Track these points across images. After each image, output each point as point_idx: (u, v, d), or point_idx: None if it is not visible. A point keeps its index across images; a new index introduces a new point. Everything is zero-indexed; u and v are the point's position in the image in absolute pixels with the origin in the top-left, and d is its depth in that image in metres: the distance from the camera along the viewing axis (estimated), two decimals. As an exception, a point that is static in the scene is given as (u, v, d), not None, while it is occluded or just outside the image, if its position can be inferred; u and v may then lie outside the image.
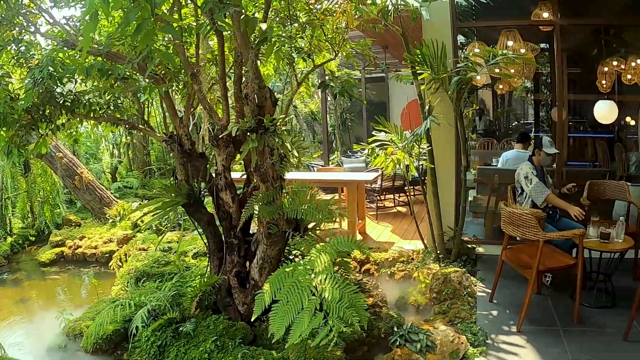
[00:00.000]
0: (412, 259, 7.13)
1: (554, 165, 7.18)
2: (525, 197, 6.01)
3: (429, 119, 6.06)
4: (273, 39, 4.43)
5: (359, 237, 8.40)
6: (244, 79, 4.81)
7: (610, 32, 10.37)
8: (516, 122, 17.43)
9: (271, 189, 4.75)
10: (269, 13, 5.54)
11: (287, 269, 4.20)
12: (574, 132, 13.76)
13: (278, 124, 4.37)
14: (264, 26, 3.67)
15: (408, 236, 8.28)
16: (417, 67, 6.44)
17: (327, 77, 5.20)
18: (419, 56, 6.33)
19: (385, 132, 6.59)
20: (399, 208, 10.63)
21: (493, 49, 6.32)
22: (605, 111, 6.35)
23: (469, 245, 7.10)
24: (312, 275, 3.93)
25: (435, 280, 5.88)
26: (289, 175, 5.22)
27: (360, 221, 8.57)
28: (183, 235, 8.42)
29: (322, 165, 12.23)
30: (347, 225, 8.10)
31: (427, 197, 6.95)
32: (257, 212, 4.97)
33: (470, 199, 7.77)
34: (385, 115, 20.34)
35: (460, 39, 10.88)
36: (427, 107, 6.33)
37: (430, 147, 6.62)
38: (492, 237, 7.40)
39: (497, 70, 7.00)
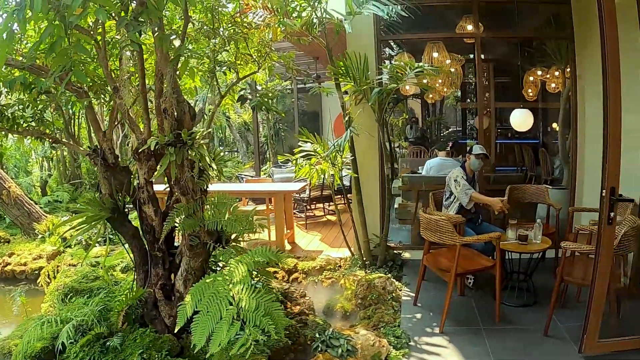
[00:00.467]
0: (340, 266, 7.24)
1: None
2: (453, 200, 6.21)
3: (349, 130, 6.21)
4: (187, 56, 4.48)
5: (287, 246, 8.53)
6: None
7: (533, 44, 10.80)
8: (447, 130, 17.80)
9: (192, 201, 4.78)
10: (195, 26, 5.60)
11: (207, 280, 4.24)
12: (501, 139, 14.27)
13: (197, 137, 4.42)
14: (177, 43, 3.73)
15: (336, 244, 8.42)
16: (340, 79, 6.59)
17: (244, 91, 5.24)
18: (342, 68, 6.49)
19: (310, 142, 6.71)
20: (329, 217, 10.78)
21: (412, 61, 6.53)
22: (519, 120, 6.63)
23: (395, 251, 7.29)
24: (231, 286, 3.99)
25: (360, 286, 6.02)
26: (217, 187, 5.27)
27: (288, 231, 8.64)
28: (111, 250, 8.31)
29: (252, 177, 12.27)
30: (275, 235, 8.16)
31: (352, 206, 7.10)
32: (178, 225, 4.99)
33: (396, 206, 7.98)
34: (318, 124, 20.63)
35: (392, 51, 11.18)
36: (346, 118, 6.48)
37: (353, 157, 6.77)
38: (418, 242, 7.52)
39: (415, 82, 7.20)
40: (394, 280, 6.37)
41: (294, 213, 10.51)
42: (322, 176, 6.63)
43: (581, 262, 5.11)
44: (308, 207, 10.16)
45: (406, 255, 7.45)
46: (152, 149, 4.49)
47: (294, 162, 6.70)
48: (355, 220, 7.05)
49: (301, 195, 9.96)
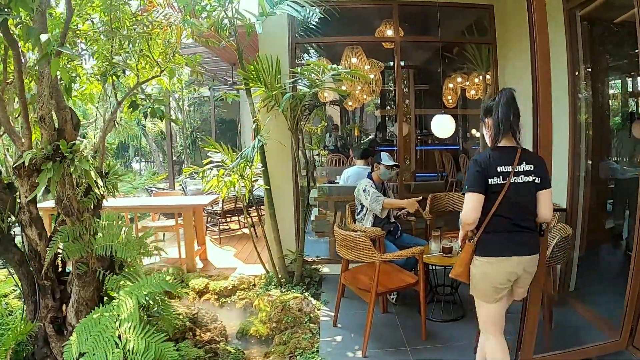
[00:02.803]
0: (254, 285, 6.77)
1: (397, 179, 7.12)
2: (365, 212, 5.85)
3: (257, 139, 5.73)
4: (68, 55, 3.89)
5: (199, 264, 7.96)
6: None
7: (453, 51, 10.67)
8: (367, 138, 17.56)
9: (77, 223, 4.17)
10: (96, 25, 4.99)
11: (94, 316, 3.67)
12: (422, 145, 14.27)
13: (79, 149, 3.83)
14: (44, 37, 3.14)
15: (251, 260, 7.87)
16: (250, 84, 6.11)
17: (135, 97, 4.63)
18: (253, 72, 6.02)
19: (219, 152, 6.20)
20: (245, 230, 10.20)
21: (325, 63, 6.11)
22: (440, 125, 6.31)
23: (313, 266, 6.84)
24: (118, 323, 3.43)
25: (274, 309, 5.53)
26: (117, 202, 4.69)
27: (199, 247, 8.06)
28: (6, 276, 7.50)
29: (164, 189, 11.55)
30: (185, 252, 7.57)
31: (265, 220, 6.62)
32: (62, 251, 4.36)
33: (312, 217, 7.54)
34: (236, 133, 20.03)
35: (311, 57, 10.78)
36: (254, 126, 6.01)
37: (264, 168, 6.30)
38: (337, 256, 7.03)
39: (332, 87, 6.81)
40: (312, 299, 5.94)
41: (208, 227, 9.96)
42: (232, 189, 6.11)
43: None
44: (222, 221, 9.55)
45: (325, 270, 6.99)
46: (26, 163, 3.85)
47: (200, 174, 6.16)
48: (268, 236, 6.56)
49: (214, 208, 9.38)
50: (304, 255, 6.74)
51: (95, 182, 4.00)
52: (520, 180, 3.33)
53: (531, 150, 3.58)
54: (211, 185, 6.18)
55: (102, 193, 4.35)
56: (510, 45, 6.92)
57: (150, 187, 11.69)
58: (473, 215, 3.34)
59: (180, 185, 13.57)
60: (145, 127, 22.47)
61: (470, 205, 3.33)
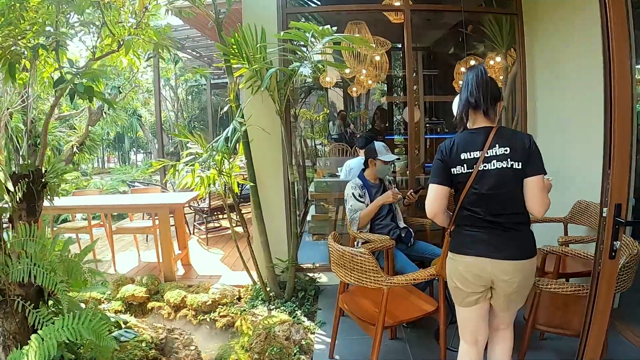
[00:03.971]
0: (240, 298, 5.74)
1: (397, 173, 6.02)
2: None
3: (232, 126, 4.67)
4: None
5: (180, 270, 6.97)
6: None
7: (467, 28, 9.62)
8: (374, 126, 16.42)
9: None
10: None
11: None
12: (431, 134, 13.29)
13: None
14: None
15: (239, 265, 6.75)
16: (232, 60, 5.02)
17: (63, 72, 3.49)
18: (234, 46, 4.93)
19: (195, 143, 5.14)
20: (239, 229, 9.10)
21: (325, 29, 4.97)
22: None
23: (309, 275, 5.78)
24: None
25: (256, 335, 4.46)
26: (82, 201, 3.63)
27: (180, 252, 7.02)
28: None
29: (146, 185, 10.43)
30: (162, 258, 6.52)
31: (253, 222, 5.54)
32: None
33: (309, 217, 6.48)
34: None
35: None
36: (225, 109, 4.95)
37: (249, 161, 5.25)
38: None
39: (327, 60, 5.71)
40: (304, 319, 4.93)
41: (196, 225, 8.91)
42: (211, 185, 5.07)
43: (559, 301, 3.70)
44: (209, 219, 8.46)
45: (323, 279, 5.92)
46: None
47: (171, 170, 5.09)
48: (255, 241, 5.51)
49: (201, 205, 8.33)
50: (298, 262, 5.70)
51: (5, 186, 2.96)
52: (492, 167, 2.79)
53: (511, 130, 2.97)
54: (186, 182, 5.15)
55: (18, 199, 3.30)
56: (540, 17, 5.77)
57: (132, 183, 10.57)
58: (431, 208, 2.96)
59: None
60: (140, 117, 21.52)
61: (430, 197, 2.96)
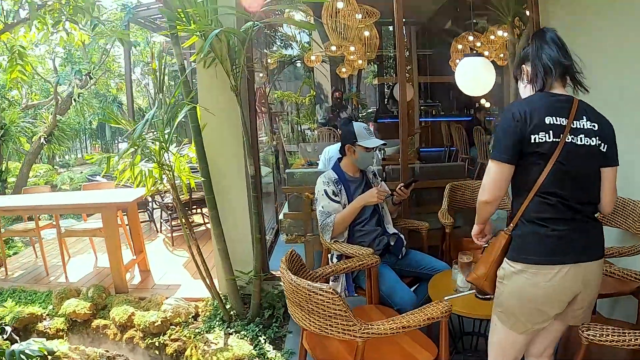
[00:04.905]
0: (197, 316, 4.79)
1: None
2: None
3: (158, 102, 3.67)
4: None
5: (137, 277, 6.02)
6: None
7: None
8: (366, 110, 15.42)
9: None
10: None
11: None
12: (426, 117, 13.11)
13: None
14: None
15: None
16: (178, 27, 4.02)
17: None
18: (180, 11, 3.94)
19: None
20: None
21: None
22: (470, 77, 4.25)
23: (280, 287, 4.78)
24: None
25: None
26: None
27: (134, 257, 6.02)
28: None
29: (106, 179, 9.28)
30: (110, 267, 5.51)
31: (210, 225, 4.56)
32: None
33: (280, 216, 5.47)
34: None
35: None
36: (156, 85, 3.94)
37: (200, 151, 4.24)
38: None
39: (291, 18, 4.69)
40: (269, 348, 4.07)
41: (162, 222, 7.92)
42: (158, 181, 4.13)
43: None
44: (174, 216, 7.39)
45: None
46: None
47: (106, 167, 4.11)
48: (213, 248, 4.53)
49: (165, 200, 7.34)
50: (266, 272, 4.75)
51: None
52: (580, 142, 2.22)
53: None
54: (125, 177, 4.21)
55: None
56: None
57: (94, 176, 9.47)
58: (492, 193, 2.31)
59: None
60: (122, 104, 20.48)
61: (491, 178, 2.30)
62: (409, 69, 11.88)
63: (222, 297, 4.57)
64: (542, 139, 2.17)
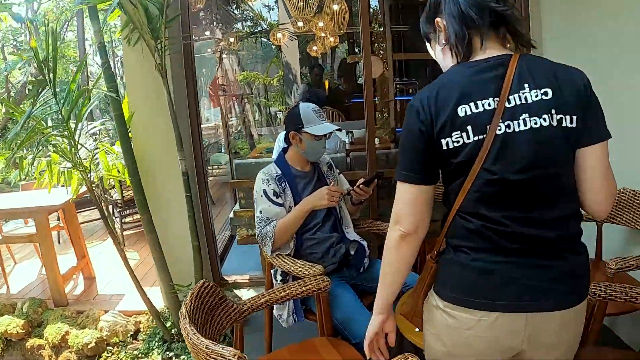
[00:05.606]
0: (137, 333, 4.18)
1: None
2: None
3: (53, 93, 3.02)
4: None
5: (80, 286, 5.35)
6: None
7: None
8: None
9: None
10: None
11: None
12: (402, 95, 11.73)
13: None
14: None
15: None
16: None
17: None
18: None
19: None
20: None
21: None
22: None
23: (234, 298, 4.14)
24: None
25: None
26: None
27: (74, 265, 5.36)
28: None
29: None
30: (47, 277, 4.86)
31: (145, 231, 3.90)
32: None
33: (231, 215, 4.82)
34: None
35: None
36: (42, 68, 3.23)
37: (125, 146, 3.57)
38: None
39: None
40: None
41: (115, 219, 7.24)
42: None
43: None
44: (124, 214, 6.71)
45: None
46: None
47: (20, 167, 3.46)
48: (153, 257, 3.88)
49: (114, 197, 6.66)
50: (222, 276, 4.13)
51: None
52: (522, 127, 1.47)
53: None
54: (43, 180, 3.58)
55: None
56: None
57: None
58: (404, 219, 1.59)
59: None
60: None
61: (401, 204, 1.60)
62: (383, 45, 11.20)
63: (164, 313, 3.94)
64: (457, 142, 1.50)
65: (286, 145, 3.19)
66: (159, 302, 4.08)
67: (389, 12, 11.65)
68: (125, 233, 6.71)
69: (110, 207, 7.12)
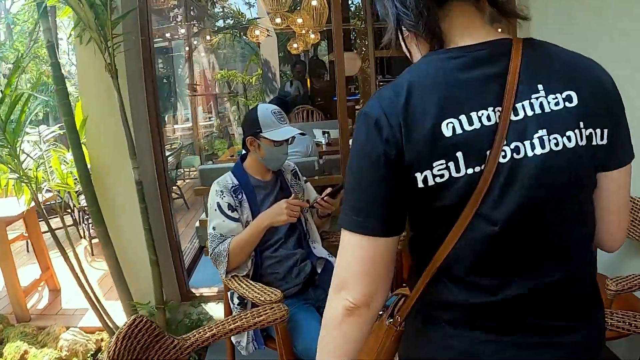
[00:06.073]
0: (98, 352, 3.91)
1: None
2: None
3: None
4: None
5: (44, 299, 5.08)
6: None
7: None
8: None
9: None
10: None
11: None
12: None
13: None
14: None
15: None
16: None
17: None
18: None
19: None
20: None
21: None
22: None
23: (199, 313, 3.89)
24: None
25: None
26: None
27: (37, 278, 5.09)
28: None
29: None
30: (7, 292, 4.59)
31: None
32: None
33: (196, 224, 4.56)
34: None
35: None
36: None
37: (77, 151, 3.31)
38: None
39: None
40: None
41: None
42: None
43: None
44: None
45: (219, 314, 3.94)
46: None
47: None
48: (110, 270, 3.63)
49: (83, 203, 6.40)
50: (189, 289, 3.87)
51: None
52: (538, 152, 0.98)
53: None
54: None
55: None
56: None
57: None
58: (352, 286, 1.06)
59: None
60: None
61: (348, 257, 1.07)
62: (365, 42, 11.08)
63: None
64: (440, 177, 1.01)
65: (245, 152, 2.88)
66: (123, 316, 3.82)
67: (371, 9, 11.51)
68: (94, 241, 6.45)
69: (80, 213, 6.89)
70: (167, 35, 11.43)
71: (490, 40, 1.05)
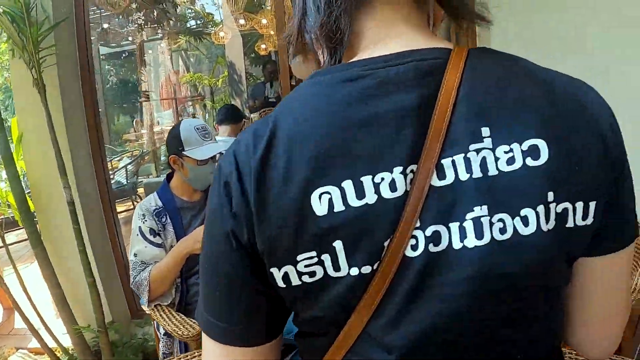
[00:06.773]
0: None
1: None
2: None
3: None
4: None
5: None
6: None
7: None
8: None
9: None
10: None
11: None
12: None
13: None
14: None
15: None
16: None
17: None
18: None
19: None
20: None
21: None
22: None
23: (136, 338, 3.72)
24: None
25: None
26: None
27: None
28: None
29: None
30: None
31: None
32: None
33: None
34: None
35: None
36: None
37: (10, 169, 3.17)
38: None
39: None
40: None
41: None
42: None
43: None
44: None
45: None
46: None
47: None
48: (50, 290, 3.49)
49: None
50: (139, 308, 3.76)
51: None
52: (471, 243, 0.56)
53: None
54: None
55: None
56: None
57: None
58: None
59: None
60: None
61: None
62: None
63: (70, 354, 3.55)
64: (309, 276, 0.65)
65: (169, 175, 2.71)
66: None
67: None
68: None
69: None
70: (130, 39, 11.28)
71: (411, 49, 0.66)
